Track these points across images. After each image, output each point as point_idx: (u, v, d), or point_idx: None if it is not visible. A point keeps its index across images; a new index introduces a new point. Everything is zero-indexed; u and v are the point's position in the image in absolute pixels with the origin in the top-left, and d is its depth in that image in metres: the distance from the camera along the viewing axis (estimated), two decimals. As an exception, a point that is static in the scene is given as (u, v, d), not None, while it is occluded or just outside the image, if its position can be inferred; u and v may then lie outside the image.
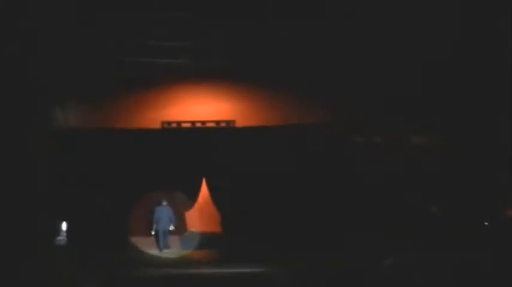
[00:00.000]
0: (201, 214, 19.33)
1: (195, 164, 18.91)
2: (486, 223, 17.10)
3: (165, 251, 17.65)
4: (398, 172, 17.72)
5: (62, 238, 18.02)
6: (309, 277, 14.59)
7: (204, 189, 19.22)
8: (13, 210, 15.59)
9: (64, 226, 18.18)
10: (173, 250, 17.79)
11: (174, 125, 19.08)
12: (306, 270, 14.72)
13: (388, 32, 16.22)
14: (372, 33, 16.46)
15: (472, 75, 16.44)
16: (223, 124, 19.18)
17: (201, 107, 19.23)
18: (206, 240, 18.40)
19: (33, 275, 12.61)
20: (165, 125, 19.03)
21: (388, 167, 17.85)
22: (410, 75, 17.01)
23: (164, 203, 17.91)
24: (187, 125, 19.13)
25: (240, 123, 19.15)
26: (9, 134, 15.24)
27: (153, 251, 17.52)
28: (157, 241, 17.83)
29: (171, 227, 17.88)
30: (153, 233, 17.86)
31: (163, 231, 17.82)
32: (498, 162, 16.44)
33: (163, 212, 17.88)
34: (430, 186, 17.46)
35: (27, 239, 15.10)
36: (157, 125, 18.95)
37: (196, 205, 19.17)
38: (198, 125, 19.13)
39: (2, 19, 13.70)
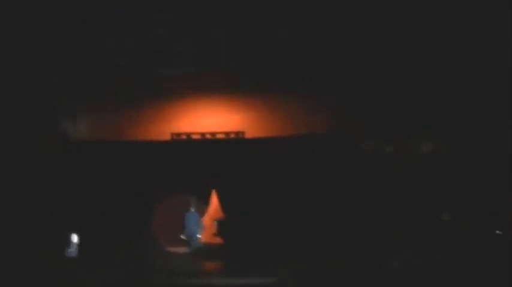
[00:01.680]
0: (211, 225, 19.21)
1: (205, 176, 18.92)
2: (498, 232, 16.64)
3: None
4: (404, 177, 17.46)
5: (72, 250, 18.00)
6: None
7: (214, 200, 19.21)
8: (21, 221, 15.79)
9: (75, 238, 18.17)
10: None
11: (183, 136, 19.16)
12: (316, 281, 14.67)
13: (395, 36, 16.16)
14: (378, 40, 16.46)
15: (473, 76, 16.22)
16: (232, 135, 19.20)
17: (210, 118, 19.30)
18: (216, 251, 18.42)
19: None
20: (175, 137, 19.11)
21: (394, 174, 17.62)
22: (415, 79, 16.89)
23: (192, 209, 18.31)
24: (197, 136, 19.19)
25: (250, 134, 19.14)
26: (13, 141, 15.49)
27: (162, 260, 17.43)
28: (188, 246, 18.12)
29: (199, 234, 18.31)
30: (182, 237, 18.12)
31: (192, 236, 18.15)
32: (500, 163, 16.09)
33: (192, 218, 18.27)
34: (435, 191, 17.17)
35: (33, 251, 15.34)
36: (167, 137, 19.03)
37: (207, 216, 19.12)
38: (208, 136, 19.18)
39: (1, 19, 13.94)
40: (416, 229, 16.29)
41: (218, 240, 19.00)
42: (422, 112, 17.31)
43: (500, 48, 15.08)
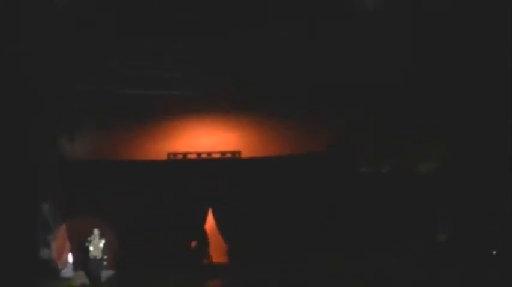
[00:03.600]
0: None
1: (201, 195, 18.96)
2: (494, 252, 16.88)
3: None
4: (406, 199, 17.64)
5: (68, 270, 17.85)
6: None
7: (210, 220, 19.21)
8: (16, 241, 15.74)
9: (70, 257, 18.02)
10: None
11: (180, 156, 19.11)
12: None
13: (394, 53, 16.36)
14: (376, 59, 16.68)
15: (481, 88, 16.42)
16: (228, 155, 19.23)
17: (207, 138, 19.32)
18: (213, 271, 18.38)
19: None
20: (171, 156, 19.06)
21: (396, 194, 17.77)
22: (414, 96, 17.13)
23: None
24: (193, 156, 19.16)
25: (246, 154, 19.19)
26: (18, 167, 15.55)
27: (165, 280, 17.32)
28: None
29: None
30: None
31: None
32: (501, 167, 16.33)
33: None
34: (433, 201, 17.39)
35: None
36: (163, 156, 18.99)
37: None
38: (204, 156, 19.17)
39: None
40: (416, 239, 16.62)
41: (216, 260, 18.93)
42: (420, 127, 17.43)
43: (501, 52, 15.25)
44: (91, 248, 16.76)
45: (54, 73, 16.60)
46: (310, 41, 16.74)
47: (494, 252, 16.73)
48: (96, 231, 16.90)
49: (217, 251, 19.00)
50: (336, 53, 16.68)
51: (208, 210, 19.16)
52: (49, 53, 15.92)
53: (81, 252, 17.23)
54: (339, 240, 17.57)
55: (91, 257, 16.75)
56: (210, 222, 19.20)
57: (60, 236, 17.86)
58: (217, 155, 19.20)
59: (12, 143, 16.04)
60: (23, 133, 16.41)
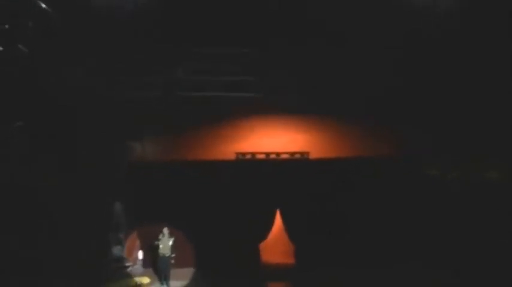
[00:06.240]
0: (275, 245, 19.21)
1: (270, 196, 19.00)
2: None
3: None
4: (468, 205, 17.06)
5: (137, 267, 18.33)
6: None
7: (278, 220, 19.23)
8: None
9: (140, 255, 18.49)
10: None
11: (248, 156, 19.19)
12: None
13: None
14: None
15: None
16: (297, 156, 19.16)
17: (275, 139, 19.30)
18: (280, 272, 18.39)
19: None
20: (240, 157, 19.15)
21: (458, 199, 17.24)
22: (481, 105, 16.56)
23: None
24: (262, 156, 19.20)
25: (314, 155, 19.08)
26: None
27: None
28: None
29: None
30: None
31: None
32: None
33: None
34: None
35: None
36: (232, 156, 19.13)
37: (270, 236, 19.18)
38: (273, 156, 19.17)
39: None
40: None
41: (284, 261, 18.93)
42: (488, 137, 16.78)
43: None
44: (160, 246, 17.25)
45: (122, 80, 17.17)
46: (380, 48, 16.54)
47: None
48: (165, 230, 17.31)
49: (284, 252, 19.05)
50: (405, 60, 16.39)
51: (276, 210, 19.22)
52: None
53: (151, 250, 17.83)
54: (405, 244, 17.30)
55: (160, 255, 17.24)
56: (277, 223, 19.25)
57: (131, 234, 18.40)
58: (286, 156, 19.18)
59: (85, 146, 16.60)
60: (95, 137, 16.92)
